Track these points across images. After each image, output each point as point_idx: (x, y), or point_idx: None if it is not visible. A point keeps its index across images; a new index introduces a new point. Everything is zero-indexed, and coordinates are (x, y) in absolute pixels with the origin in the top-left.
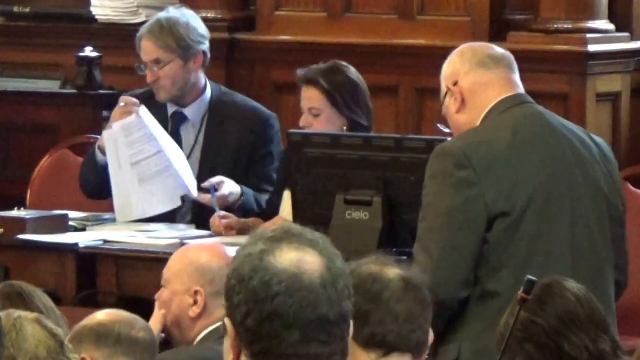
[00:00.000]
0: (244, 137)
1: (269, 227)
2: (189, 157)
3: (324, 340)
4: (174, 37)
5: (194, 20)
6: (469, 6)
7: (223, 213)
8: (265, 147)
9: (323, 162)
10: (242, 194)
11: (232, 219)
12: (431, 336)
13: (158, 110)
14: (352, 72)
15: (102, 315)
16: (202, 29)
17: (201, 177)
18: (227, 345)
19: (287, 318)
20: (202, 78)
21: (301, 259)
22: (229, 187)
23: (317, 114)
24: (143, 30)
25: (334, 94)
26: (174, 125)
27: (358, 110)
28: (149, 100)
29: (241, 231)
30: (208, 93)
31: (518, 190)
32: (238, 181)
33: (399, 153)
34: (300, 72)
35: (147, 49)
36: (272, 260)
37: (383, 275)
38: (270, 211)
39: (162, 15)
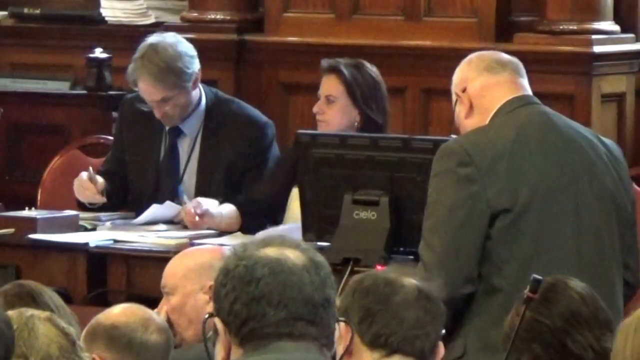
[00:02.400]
0: (239, 147)
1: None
2: (185, 169)
3: (310, 319)
4: (175, 74)
5: (180, 45)
6: (475, 7)
7: (193, 202)
8: (260, 156)
9: (331, 162)
10: (226, 198)
11: (203, 206)
12: (441, 350)
13: (156, 123)
14: (375, 71)
15: (118, 314)
16: (189, 48)
17: (198, 188)
18: (218, 347)
19: (272, 298)
20: (198, 91)
21: (283, 252)
22: (207, 205)
23: (332, 101)
24: (139, 72)
25: (353, 85)
26: (171, 140)
27: (373, 106)
28: (147, 111)
29: (216, 223)
30: (203, 103)
31: (520, 187)
32: (233, 190)
33: (406, 153)
34: (324, 62)
35: (150, 91)
36: (255, 252)
37: (397, 281)
38: (249, 204)
39: (150, 50)
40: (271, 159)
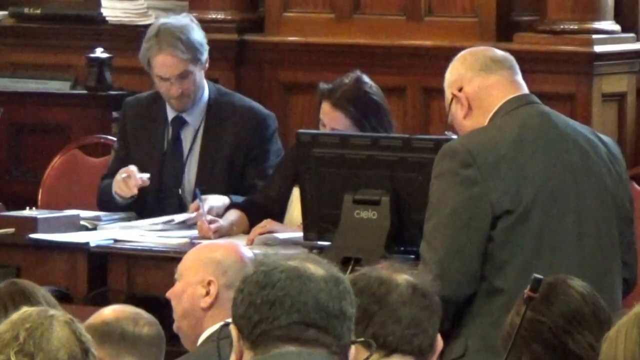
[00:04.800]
0: (241, 138)
1: (258, 230)
2: (187, 159)
3: (323, 326)
4: (193, 47)
5: (192, 21)
6: (475, 7)
7: (210, 217)
8: (262, 147)
9: (331, 162)
10: (230, 204)
11: (219, 222)
12: (440, 343)
13: (159, 116)
14: (375, 91)
15: (107, 313)
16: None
17: (199, 178)
18: (232, 356)
19: (285, 301)
20: (204, 80)
21: (304, 263)
22: (211, 203)
23: None
24: (157, 47)
25: (361, 119)
26: (174, 130)
27: (381, 130)
28: (152, 105)
29: (227, 233)
30: (206, 94)
31: (522, 188)
32: (235, 181)
33: (406, 153)
34: (323, 87)
35: (173, 64)
36: (276, 260)
37: (391, 279)
38: (253, 207)
39: (164, 26)
40: (273, 151)
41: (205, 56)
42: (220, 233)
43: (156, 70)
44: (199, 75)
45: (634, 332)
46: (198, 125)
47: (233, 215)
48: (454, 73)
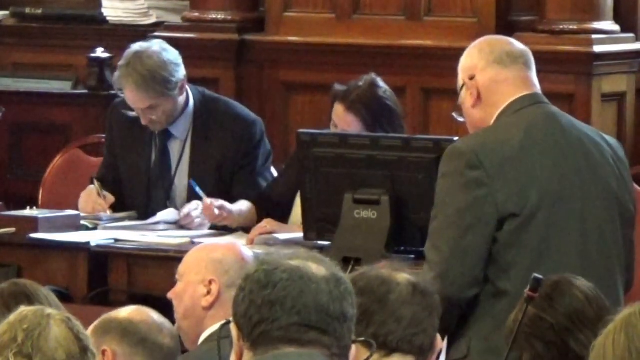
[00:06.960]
0: (228, 147)
1: (258, 231)
2: (175, 171)
3: (323, 328)
4: (160, 83)
5: (165, 53)
6: (475, 7)
7: (211, 200)
8: (250, 155)
9: (331, 161)
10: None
11: (221, 202)
12: (439, 342)
13: (145, 129)
14: (389, 95)
15: (133, 312)
16: (174, 55)
17: (190, 189)
18: (232, 355)
19: (286, 302)
20: (185, 94)
21: (306, 263)
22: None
23: None
24: (124, 80)
25: (374, 124)
26: (161, 142)
27: (393, 133)
28: (134, 117)
29: (230, 218)
30: (191, 104)
31: (528, 191)
32: (224, 189)
33: (406, 152)
34: (337, 88)
35: (136, 100)
36: (278, 259)
37: (392, 279)
38: (264, 200)
39: (135, 59)
40: (261, 156)
41: (176, 86)
42: (225, 211)
43: (126, 99)
44: (171, 103)
45: (622, 337)
46: (185, 137)
47: (244, 205)
48: (469, 60)
